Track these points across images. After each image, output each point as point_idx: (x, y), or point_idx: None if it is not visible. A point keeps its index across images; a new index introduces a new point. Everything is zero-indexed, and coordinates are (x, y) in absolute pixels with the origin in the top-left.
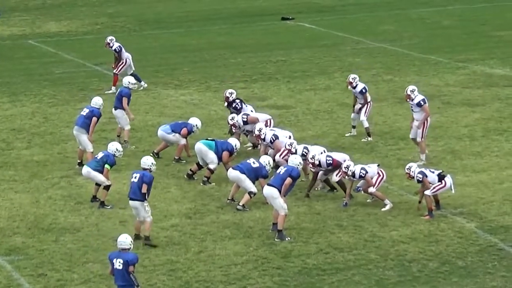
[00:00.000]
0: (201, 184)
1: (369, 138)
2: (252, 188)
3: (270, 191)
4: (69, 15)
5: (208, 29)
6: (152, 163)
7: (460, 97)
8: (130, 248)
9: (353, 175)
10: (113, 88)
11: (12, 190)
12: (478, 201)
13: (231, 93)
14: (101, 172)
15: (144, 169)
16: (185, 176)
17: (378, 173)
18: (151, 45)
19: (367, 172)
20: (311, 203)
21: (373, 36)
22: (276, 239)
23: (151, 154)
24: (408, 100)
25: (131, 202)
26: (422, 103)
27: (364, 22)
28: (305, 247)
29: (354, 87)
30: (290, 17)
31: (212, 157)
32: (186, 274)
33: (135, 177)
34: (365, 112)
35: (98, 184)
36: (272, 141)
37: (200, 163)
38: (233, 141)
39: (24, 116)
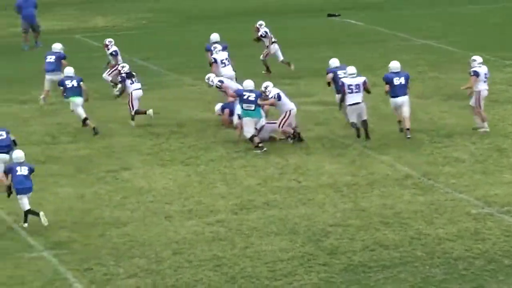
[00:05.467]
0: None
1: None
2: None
3: None
4: (115, 10)
5: (253, 24)
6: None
7: (507, 95)
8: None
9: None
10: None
11: (58, 185)
12: None
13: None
14: None
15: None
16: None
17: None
18: (195, 40)
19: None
20: (356, 199)
21: (419, 33)
22: None
23: None
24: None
25: None
26: (471, 73)
27: (410, 19)
28: (351, 244)
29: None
30: (337, 14)
31: None
32: (232, 270)
33: None
34: None
35: None
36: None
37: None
38: None
39: (69, 111)
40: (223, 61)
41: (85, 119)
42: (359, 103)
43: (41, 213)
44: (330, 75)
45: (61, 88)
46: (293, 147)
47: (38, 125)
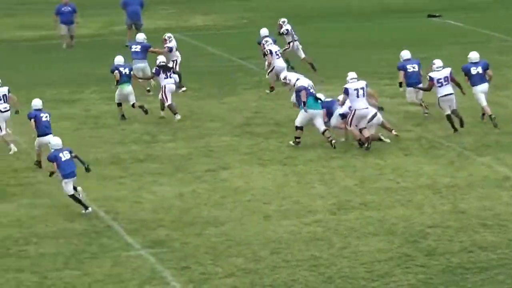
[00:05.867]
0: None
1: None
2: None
3: None
4: (215, 9)
5: (351, 25)
6: None
7: None
8: None
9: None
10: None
11: (157, 183)
12: None
13: None
14: None
15: None
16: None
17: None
18: None
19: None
20: (455, 201)
21: None
22: None
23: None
24: None
25: None
26: None
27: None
28: (450, 245)
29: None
30: (437, 15)
31: None
32: (329, 270)
33: None
34: None
35: None
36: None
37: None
38: None
39: (168, 110)
40: (276, 53)
41: (133, 104)
42: (451, 93)
43: (82, 191)
44: (402, 73)
45: (116, 74)
46: (391, 147)
47: (138, 124)
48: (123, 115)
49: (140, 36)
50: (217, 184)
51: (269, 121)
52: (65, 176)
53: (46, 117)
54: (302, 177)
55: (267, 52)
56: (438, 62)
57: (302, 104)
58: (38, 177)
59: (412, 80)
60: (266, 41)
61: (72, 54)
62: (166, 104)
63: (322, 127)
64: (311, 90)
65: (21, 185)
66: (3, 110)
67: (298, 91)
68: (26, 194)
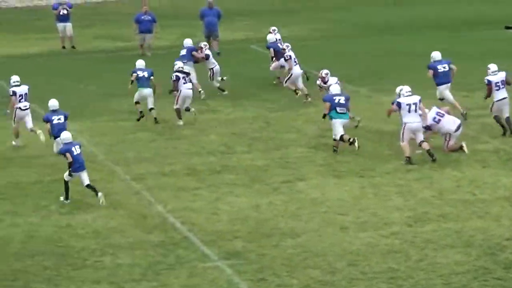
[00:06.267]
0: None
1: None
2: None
3: None
4: (291, 21)
5: (428, 35)
6: None
7: None
8: None
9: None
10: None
11: (233, 194)
12: None
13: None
14: None
15: None
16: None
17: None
18: (371, 50)
19: None
20: None
21: None
22: None
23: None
24: None
25: None
26: None
27: None
28: None
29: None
30: None
31: None
32: (407, 282)
33: None
34: None
35: None
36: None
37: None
38: None
39: (245, 121)
40: (295, 60)
41: (151, 108)
42: (505, 97)
43: (100, 194)
44: (431, 72)
45: (133, 76)
46: (468, 159)
47: (214, 135)
48: (141, 112)
49: (188, 42)
50: (293, 196)
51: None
52: (74, 170)
53: (59, 119)
54: (379, 189)
55: (287, 57)
56: (493, 67)
57: (323, 116)
58: (115, 188)
59: (443, 80)
60: (288, 46)
61: (149, 65)
62: (175, 106)
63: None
64: (340, 101)
65: None
66: (23, 108)
67: (324, 101)
68: (103, 205)
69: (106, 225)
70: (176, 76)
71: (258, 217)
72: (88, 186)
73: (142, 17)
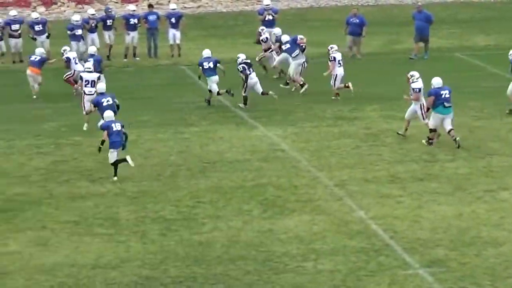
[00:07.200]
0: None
1: None
2: None
3: None
4: (498, 29)
5: None
6: None
7: None
8: None
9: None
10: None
11: (435, 202)
12: None
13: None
14: None
15: None
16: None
17: None
18: None
19: None
20: None
21: None
22: None
23: None
24: None
25: None
26: None
27: None
28: None
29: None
30: None
31: None
32: None
33: None
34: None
35: None
36: None
37: None
38: None
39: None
40: (339, 61)
41: (218, 92)
42: None
43: (128, 157)
44: (432, 98)
45: (200, 68)
46: None
47: (417, 143)
48: (208, 101)
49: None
50: (496, 205)
51: None
52: (112, 144)
53: (108, 101)
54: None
55: (331, 58)
56: None
57: (426, 110)
58: (318, 194)
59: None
60: (332, 47)
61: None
62: (243, 93)
63: (448, 127)
64: (443, 96)
65: (301, 201)
66: (87, 93)
67: (429, 95)
68: (305, 211)
69: (309, 231)
70: (243, 67)
71: (460, 225)
72: (116, 161)
73: (351, 20)
